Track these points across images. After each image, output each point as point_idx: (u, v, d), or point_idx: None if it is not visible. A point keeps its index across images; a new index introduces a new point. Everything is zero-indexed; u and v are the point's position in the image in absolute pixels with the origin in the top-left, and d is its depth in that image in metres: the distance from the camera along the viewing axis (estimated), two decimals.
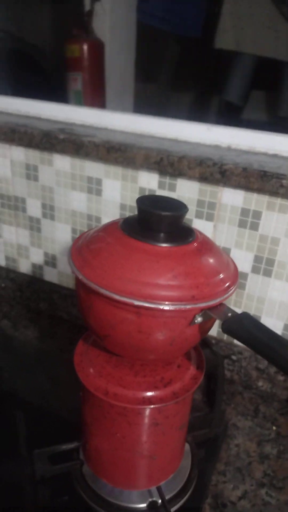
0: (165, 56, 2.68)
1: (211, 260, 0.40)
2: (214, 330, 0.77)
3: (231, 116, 2.25)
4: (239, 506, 0.55)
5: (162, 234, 0.40)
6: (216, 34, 1.98)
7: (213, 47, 2.01)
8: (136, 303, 0.35)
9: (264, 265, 0.68)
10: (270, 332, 0.34)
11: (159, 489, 0.52)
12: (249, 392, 0.75)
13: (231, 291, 0.39)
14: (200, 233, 0.43)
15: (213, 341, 0.77)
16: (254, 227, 0.66)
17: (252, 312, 0.72)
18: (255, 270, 0.69)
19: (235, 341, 0.76)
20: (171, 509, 0.52)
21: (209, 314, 0.37)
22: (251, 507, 0.55)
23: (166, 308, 0.35)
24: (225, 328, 0.35)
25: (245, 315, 0.36)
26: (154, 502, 0.53)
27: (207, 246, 0.41)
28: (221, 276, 0.39)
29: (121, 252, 0.39)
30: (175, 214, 0.39)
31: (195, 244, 0.40)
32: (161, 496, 0.52)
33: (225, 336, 0.76)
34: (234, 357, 0.76)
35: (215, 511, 0.54)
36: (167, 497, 0.53)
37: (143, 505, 0.53)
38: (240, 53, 2.01)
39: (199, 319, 0.37)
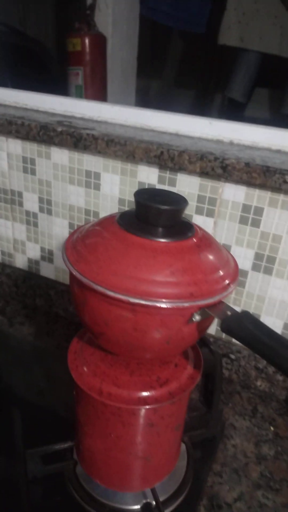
0: (168, 52, 2.66)
1: (210, 256, 0.39)
2: (213, 329, 0.76)
3: (233, 113, 2.23)
4: (235, 508, 0.54)
5: (160, 229, 0.38)
6: (220, 30, 1.96)
7: (217, 43, 1.99)
8: (132, 300, 0.34)
9: (265, 263, 0.66)
10: (270, 332, 0.33)
11: (153, 490, 0.51)
12: (247, 392, 0.74)
13: (230, 289, 0.37)
14: (200, 228, 0.42)
15: (211, 340, 0.75)
16: (256, 223, 0.65)
17: (251, 310, 0.70)
18: (255, 267, 0.67)
19: (234, 340, 0.74)
20: (165, 511, 0.51)
21: (207, 312, 0.36)
22: (247, 509, 0.54)
23: (163, 305, 0.34)
24: (224, 328, 0.33)
25: (245, 314, 0.34)
26: (148, 504, 0.52)
27: (206, 241, 0.40)
28: (221, 273, 0.38)
29: (117, 247, 0.37)
30: (174, 208, 0.38)
31: (194, 240, 0.39)
32: (155, 498, 0.51)
33: (224, 335, 0.75)
34: (232, 356, 0.74)
35: None
36: (161, 499, 0.52)
37: (137, 507, 0.52)
38: (245, 49, 1.99)
39: (197, 318, 0.36)
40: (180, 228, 0.40)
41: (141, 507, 0.52)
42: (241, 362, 0.74)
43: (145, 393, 0.42)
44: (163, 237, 0.38)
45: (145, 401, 0.42)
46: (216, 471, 0.59)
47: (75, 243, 0.40)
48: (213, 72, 2.58)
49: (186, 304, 0.34)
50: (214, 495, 0.55)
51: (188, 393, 0.44)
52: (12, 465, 0.57)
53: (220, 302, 0.36)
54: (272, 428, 0.67)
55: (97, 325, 0.38)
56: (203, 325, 0.39)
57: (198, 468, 0.59)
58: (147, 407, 0.41)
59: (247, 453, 0.62)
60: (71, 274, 0.38)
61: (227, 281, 0.38)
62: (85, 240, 0.40)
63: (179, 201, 0.39)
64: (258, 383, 0.74)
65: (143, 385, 0.43)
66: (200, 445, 0.62)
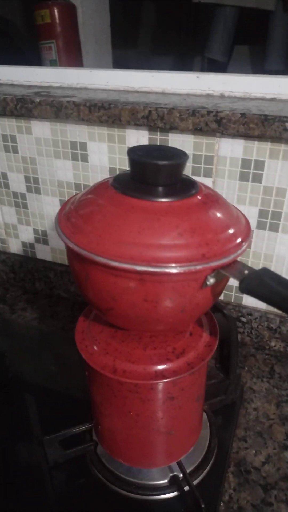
0: (141, 18, 2.54)
1: (219, 214, 0.35)
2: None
3: None
4: (263, 471, 0.53)
5: (160, 188, 0.35)
6: None
7: (191, 3, 1.88)
8: (139, 268, 0.31)
9: (270, 219, 0.63)
10: None
11: (179, 463, 0.50)
12: (262, 353, 0.72)
13: (244, 247, 0.34)
14: (204, 185, 0.38)
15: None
16: (257, 179, 0.61)
17: None
18: (260, 225, 0.64)
19: (244, 303, 0.72)
20: (193, 482, 0.50)
21: (222, 274, 0.33)
22: (276, 471, 0.53)
23: (174, 271, 0.31)
24: (243, 288, 0.30)
25: (265, 270, 0.31)
26: (175, 477, 0.50)
27: (212, 198, 0.36)
28: (232, 230, 0.35)
29: (115, 212, 0.34)
30: (174, 163, 0.34)
31: (199, 197, 0.35)
32: (182, 470, 0.49)
33: (233, 298, 0.73)
34: (243, 319, 0.72)
35: (239, 479, 0.52)
36: (188, 470, 0.50)
37: (165, 481, 0.50)
38: (221, 5, 1.89)
39: (211, 281, 0.33)
40: (182, 186, 0.36)
41: (168, 481, 0.50)
42: (253, 324, 0.72)
43: (162, 366, 0.40)
44: (164, 196, 0.34)
45: (162, 374, 0.39)
46: (240, 436, 0.58)
47: (69, 215, 0.37)
48: (190, 34, 2.47)
49: (199, 267, 0.31)
50: (241, 461, 0.54)
51: (207, 362, 0.42)
52: (32, 452, 0.55)
53: (235, 262, 0.33)
54: None
55: (103, 300, 0.35)
56: (217, 288, 0.36)
57: (221, 435, 0.57)
58: (166, 380, 0.39)
59: (270, 415, 0.61)
60: (68, 249, 0.35)
61: (239, 239, 0.34)
62: (79, 211, 0.36)
63: (179, 155, 0.35)
64: (273, 343, 0.72)
65: (159, 358, 0.40)
66: (220, 412, 0.61)
